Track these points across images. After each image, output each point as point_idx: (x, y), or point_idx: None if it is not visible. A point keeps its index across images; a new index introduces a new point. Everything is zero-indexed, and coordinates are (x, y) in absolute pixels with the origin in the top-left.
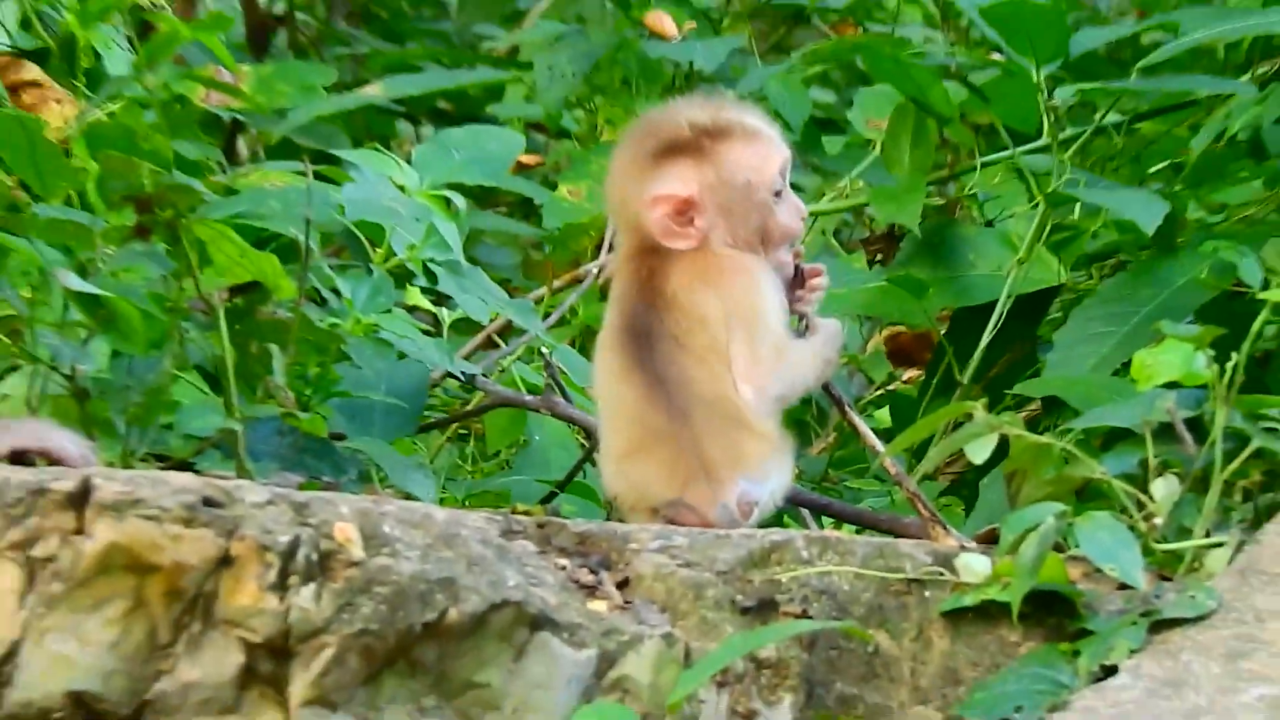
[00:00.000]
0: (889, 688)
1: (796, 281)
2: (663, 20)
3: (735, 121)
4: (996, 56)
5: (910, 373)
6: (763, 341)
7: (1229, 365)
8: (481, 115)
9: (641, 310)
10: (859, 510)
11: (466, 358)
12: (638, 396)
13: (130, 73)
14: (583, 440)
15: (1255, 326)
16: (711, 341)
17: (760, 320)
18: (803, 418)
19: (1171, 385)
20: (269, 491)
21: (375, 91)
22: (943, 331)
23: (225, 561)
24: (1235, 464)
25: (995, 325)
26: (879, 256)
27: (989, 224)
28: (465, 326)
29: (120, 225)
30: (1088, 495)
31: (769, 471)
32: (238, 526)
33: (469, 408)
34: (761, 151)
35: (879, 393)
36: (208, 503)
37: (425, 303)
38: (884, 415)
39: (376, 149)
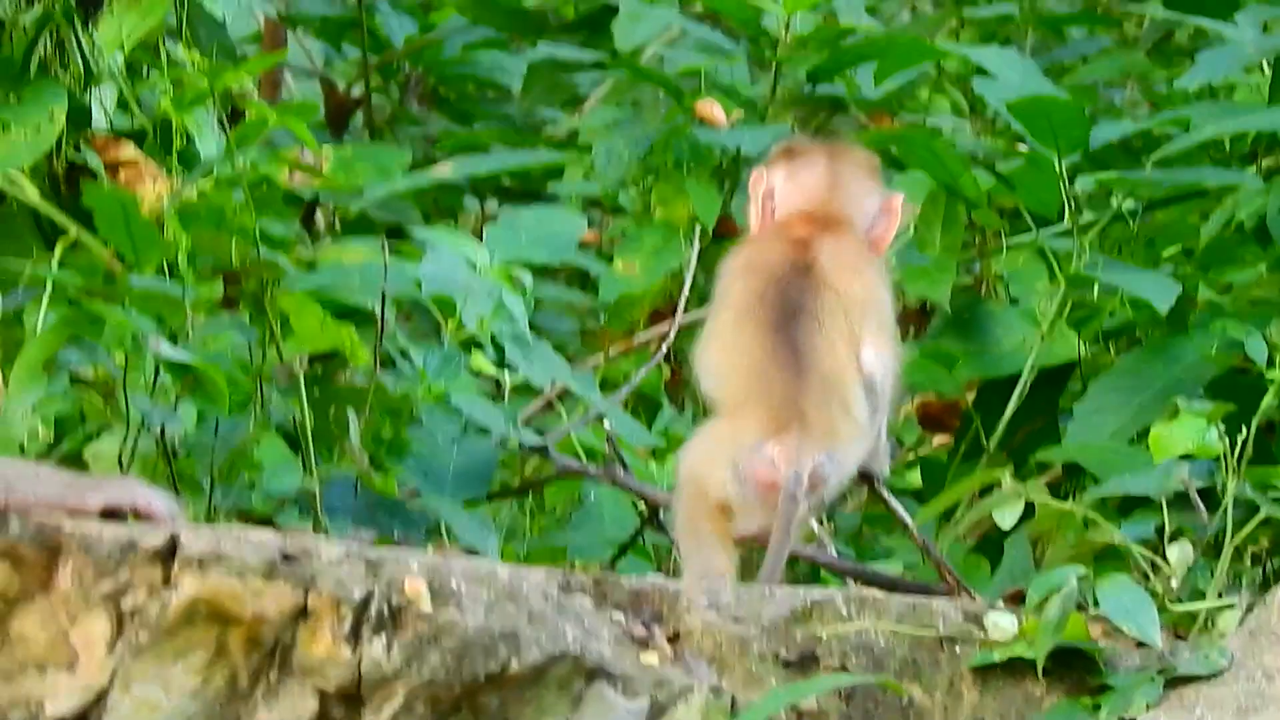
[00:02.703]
0: None
1: None
2: (713, 108)
3: None
4: (1021, 147)
5: (940, 438)
6: (887, 327)
7: (1239, 439)
8: (543, 192)
9: (792, 283)
10: (893, 578)
11: (528, 420)
12: (765, 355)
13: (220, 154)
14: (640, 507)
15: (1264, 403)
16: (849, 327)
17: (889, 311)
18: None
19: (1185, 457)
20: (344, 548)
21: (446, 171)
22: (970, 400)
23: (302, 614)
24: (1245, 531)
25: (1019, 396)
26: (912, 330)
27: (1014, 301)
28: (526, 388)
29: (209, 296)
30: (1108, 558)
31: (850, 456)
32: (314, 581)
33: (535, 477)
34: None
35: (910, 456)
36: (286, 558)
37: (490, 368)
38: (915, 477)
39: (449, 227)
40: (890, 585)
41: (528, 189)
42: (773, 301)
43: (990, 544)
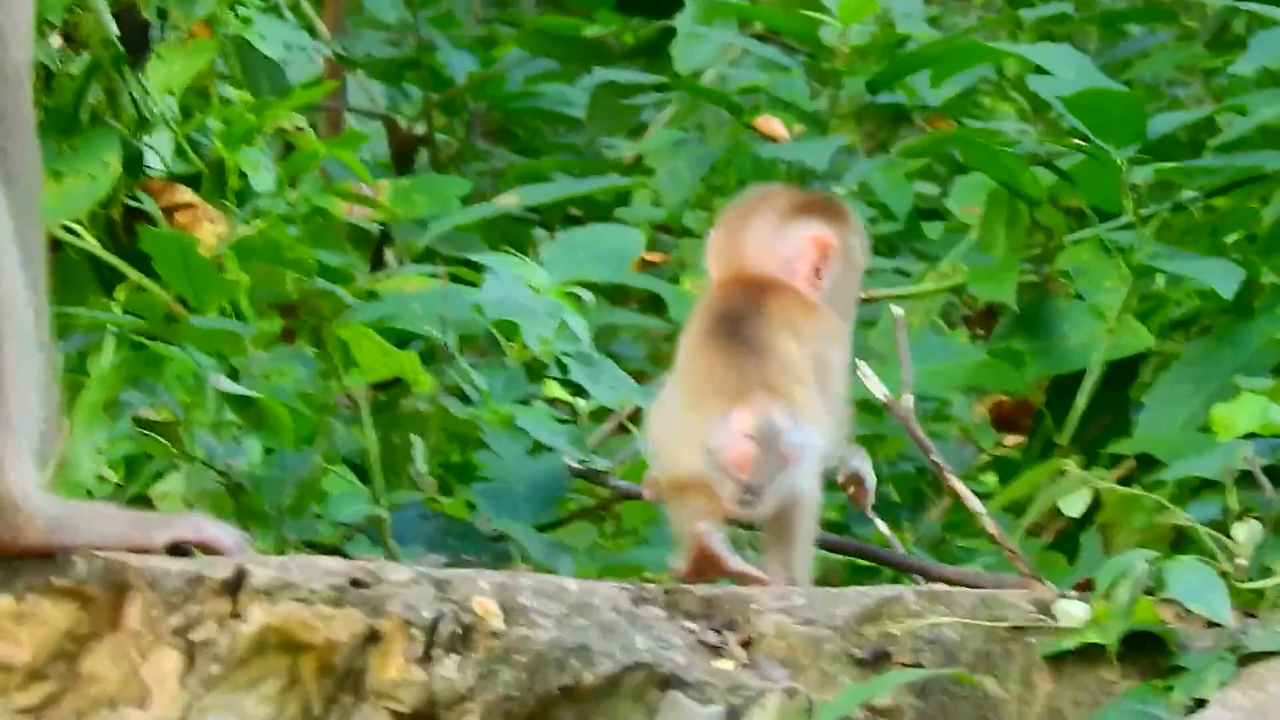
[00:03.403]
0: None
1: None
2: (772, 124)
3: (849, 206)
4: (1080, 142)
5: (1013, 438)
6: (838, 401)
7: None
8: (611, 219)
9: (739, 300)
10: (962, 572)
11: (602, 443)
12: (718, 352)
13: (273, 190)
14: None
15: None
16: (795, 337)
17: (840, 381)
18: (918, 486)
19: (1250, 436)
20: (412, 571)
21: (510, 200)
22: (1041, 398)
23: (373, 638)
24: None
25: (1090, 390)
26: (979, 332)
27: (1079, 297)
28: (602, 415)
29: (269, 331)
30: (1181, 544)
31: (816, 433)
32: (384, 605)
33: (607, 498)
34: (865, 239)
35: (985, 459)
36: (355, 584)
37: (563, 394)
38: (992, 480)
39: (509, 252)
40: (962, 581)
41: (595, 216)
42: (723, 314)
43: (1068, 541)
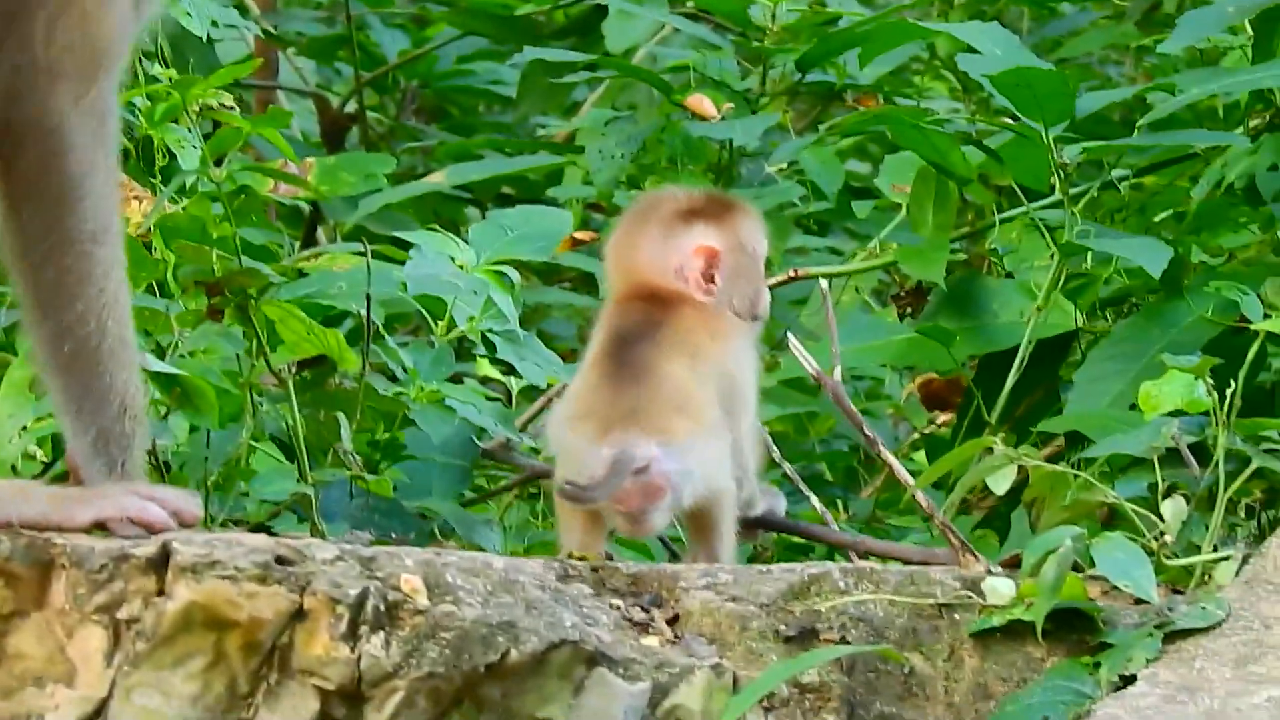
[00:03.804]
0: (925, 705)
1: None
2: (702, 103)
3: (738, 199)
4: (1009, 121)
5: (943, 416)
6: (749, 424)
7: (1228, 392)
8: (543, 198)
9: (637, 322)
10: (890, 546)
11: (529, 421)
12: (603, 376)
13: (197, 167)
14: None
15: (1250, 354)
16: (691, 359)
17: (749, 398)
18: (851, 464)
19: (1176, 413)
20: (337, 548)
21: (439, 179)
22: (971, 377)
23: (299, 615)
24: (1237, 483)
25: (1019, 369)
26: (909, 310)
27: (1009, 276)
28: (536, 393)
29: (195, 309)
30: (1114, 521)
31: (697, 453)
32: (309, 582)
33: (519, 479)
34: (760, 226)
35: (915, 437)
36: (280, 561)
37: (495, 373)
38: (923, 458)
39: (435, 230)
40: (894, 555)
41: (527, 195)
42: (617, 333)
43: (998, 519)
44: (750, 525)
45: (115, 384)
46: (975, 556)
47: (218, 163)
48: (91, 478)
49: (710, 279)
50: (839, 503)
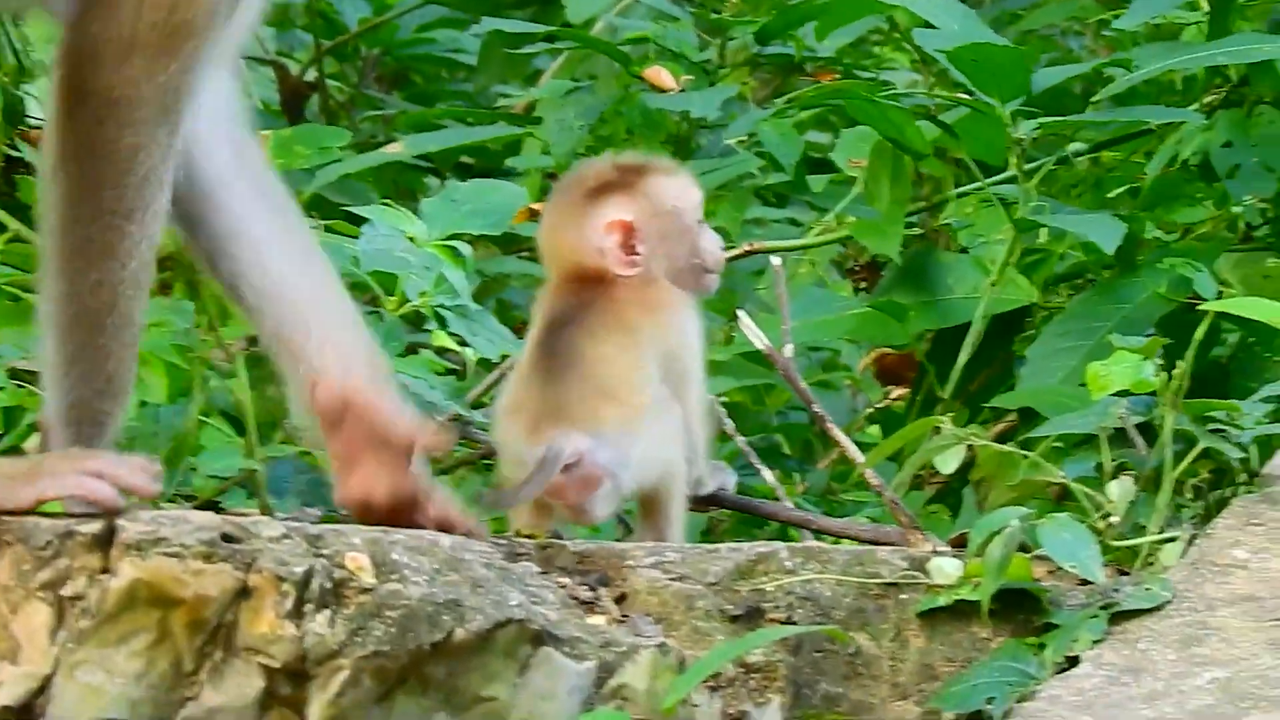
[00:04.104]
0: (870, 685)
1: None
2: (660, 74)
3: (653, 161)
4: (964, 96)
5: (898, 391)
6: (696, 399)
7: (1175, 372)
8: (502, 168)
9: (568, 306)
10: (842, 524)
11: (482, 394)
12: (535, 367)
13: None
14: None
15: (1198, 334)
16: (624, 338)
17: (694, 373)
18: (808, 436)
19: (1123, 393)
20: (283, 526)
21: (397, 149)
22: (925, 351)
23: (244, 593)
24: (1184, 464)
25: (973, 344)
26: (864, 284)
27: (964, 250)
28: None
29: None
30: (1065, 500)
31: (634, 439)
32: (255, 560)
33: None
34: (681, 182)
35: (870, 411)
36: (226, 538)
37: (452, 344)
38: (877, 432)
39: (388, 204)
40: (844, 533)
41: (487, 165)
42: (550, 321)
43: (950, 495)
44: (701, 503)
45: (108, 360)
46: (923, 534)
47: None
48: (55, 445)
49: (631, 251)
50: (795, 475)
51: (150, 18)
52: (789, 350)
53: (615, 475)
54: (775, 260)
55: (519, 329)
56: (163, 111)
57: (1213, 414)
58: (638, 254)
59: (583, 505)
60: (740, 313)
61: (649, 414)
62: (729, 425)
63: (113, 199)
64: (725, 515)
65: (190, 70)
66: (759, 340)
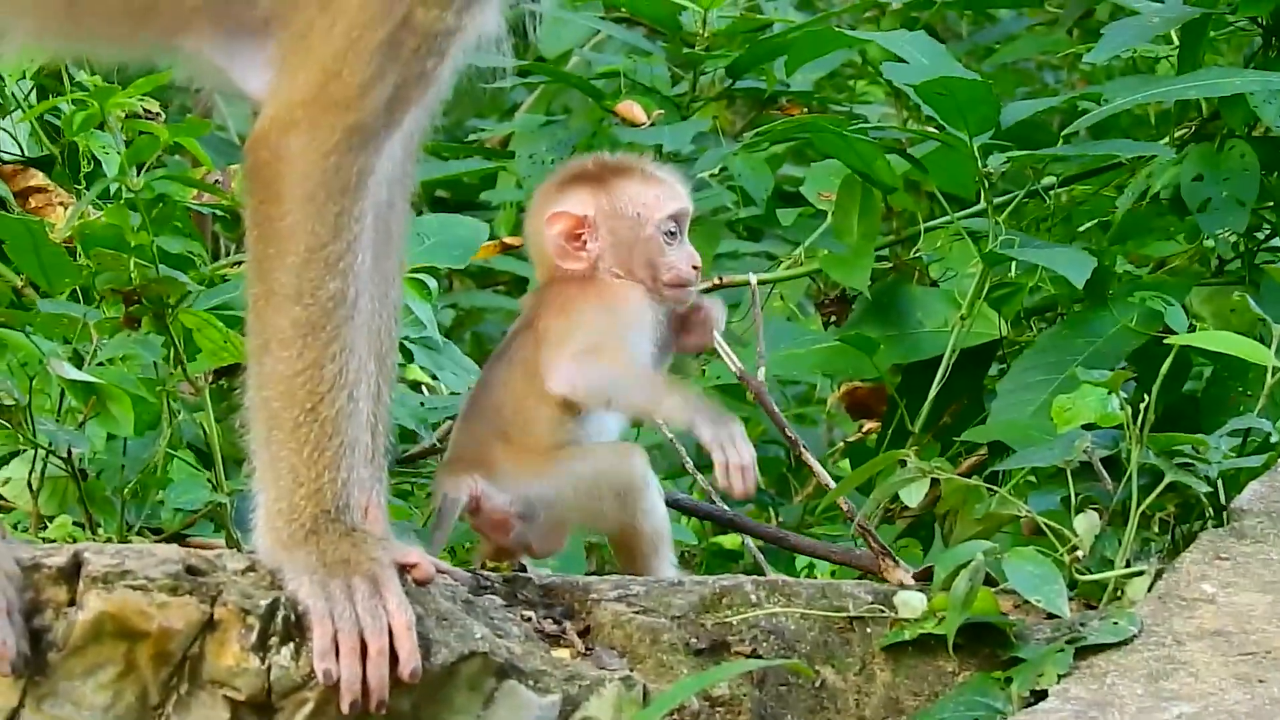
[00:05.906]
0: (836, 719)
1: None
2: (632, 109)
3: (640, 165)
4: (933, 130)
5: (868, 424)
6: (605, 345)
7: (1141, 406)
8: (477, 201)
9: (529, 313)
10: (814, 544)
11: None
12: (469, 399)
13: (116, 175)
14: None
15: (1164, 368)
16: (537, 359)
17: (614, 330)
18: (782, 472)
19: (1090, 427)
20: (248, 559)
21: None
22: (895, 385)
23: (209, 626)
24: (1151, 498)
25: (942, 377)
26: (833, 318)
27: (934, 284)
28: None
29: (113, 317)
30: (1036, 533)
31: (530, 478)
32: (220, 593)
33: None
34: (657, 191)
35: (842, 445)
36: (191, 571)
37: (425, 377)
38: (847, 466)
39: None
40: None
41: (462, 198)
42: (488, 362)
43: (922, 528)
44: (673, 505)
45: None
46: (895, 561)
47: (138, 170)
48: None
49: (580, 245)
50: (770, 509)
51: (306, 94)
52: (761, 374)
53: (526, 509)
54: (754, 281)
55: None
56: (324, 189)
57: (1180, 448)
58: (585, 249)
59: (509, 543)
60: (717, 336)
61: (549, 453)
62: (688, 463)
63: (282, 279)
64: (698, 549)
65: (356, 150)
66: (732, 362)
